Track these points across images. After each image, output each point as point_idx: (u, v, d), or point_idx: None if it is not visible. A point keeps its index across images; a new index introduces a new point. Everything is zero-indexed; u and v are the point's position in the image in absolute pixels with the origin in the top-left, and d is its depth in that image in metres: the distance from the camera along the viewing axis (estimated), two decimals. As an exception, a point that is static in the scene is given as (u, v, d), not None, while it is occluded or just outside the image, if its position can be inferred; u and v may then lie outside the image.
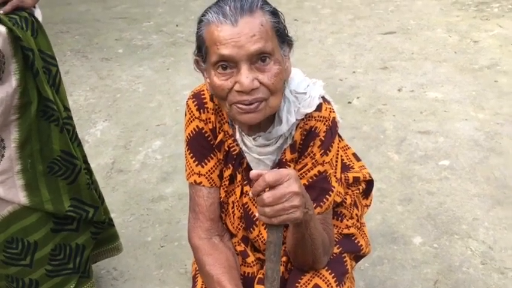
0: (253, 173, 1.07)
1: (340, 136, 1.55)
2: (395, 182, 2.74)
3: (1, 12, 1.58)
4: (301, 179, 1.33)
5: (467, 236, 2.37)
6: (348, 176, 1.53)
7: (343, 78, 3.80)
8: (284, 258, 1.42)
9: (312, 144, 1.31)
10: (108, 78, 4.02)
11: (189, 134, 1.39)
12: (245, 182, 1.40)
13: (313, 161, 1.31)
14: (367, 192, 1.63)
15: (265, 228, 1.40)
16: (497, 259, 2.24)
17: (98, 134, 3.32)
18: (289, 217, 1.07)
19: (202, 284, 1.44)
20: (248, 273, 1.46)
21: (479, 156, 2.89)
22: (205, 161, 1.40)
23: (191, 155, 1.40)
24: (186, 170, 1.43)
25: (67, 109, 1.82)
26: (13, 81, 1.60)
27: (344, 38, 4.44)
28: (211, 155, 1.40)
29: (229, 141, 1.38)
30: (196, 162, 1.40)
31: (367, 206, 1.65)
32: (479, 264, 2.22)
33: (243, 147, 1.37)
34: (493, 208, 2.52)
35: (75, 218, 1.88)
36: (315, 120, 1.30)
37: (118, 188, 2.83)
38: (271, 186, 1.05)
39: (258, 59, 1.15)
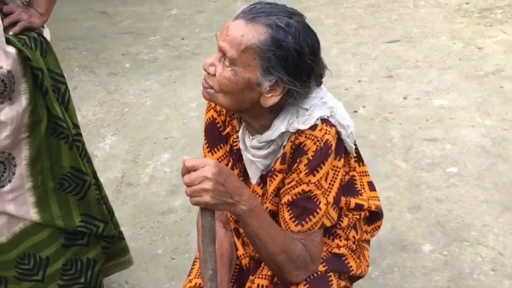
0: (184, 158, 1.20)
1: (362, 161, 1.54)
2: (404, 190, 2.74)
3: (11, 33, 1.61)
4: (286, 194, 1.35)
5: (477, 242, 2.37)
6: (349, 201, 1.49)
7: (349, 87, 3.81)
8: (270, 272, 1.45)
9: (298, 160, 1.32)
10: (115, 92, 4.06)
11: (206, 120, 1.51)
12: (241, 178, 1.45)
13: (298, 178, 1.32)
14: (370, 221, 1.60)
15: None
16: (508, 265, 2.23)
17: (106, 148, 3.35)
18: (201, 199, 1.18)
19: (198, 269, 1.52)
20: (239, 264, 1.54)
21: (486, 162, 2.88)
22: (215, 149, 1.50)
23: (205, 140, 1.52)
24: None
25: (76, 126, 1.85)
26: (23, 101, 1.63)
27: (348, 48, 4.45)
28: (221, 144, 1.49)
29: (234, 136, 1.46)
30: (208, 149, 1.51)
31: (367, 232, 1.60)
32: (490, 271, 2.21)
33: (241, 146, 1.43)
34: (502, 214, 2.52)
35: (86, 233, 1.90)
36: (305, 137, 1.31)
37: (128, 201, 2.85)
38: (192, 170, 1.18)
39: (223, 55, 1.25)
